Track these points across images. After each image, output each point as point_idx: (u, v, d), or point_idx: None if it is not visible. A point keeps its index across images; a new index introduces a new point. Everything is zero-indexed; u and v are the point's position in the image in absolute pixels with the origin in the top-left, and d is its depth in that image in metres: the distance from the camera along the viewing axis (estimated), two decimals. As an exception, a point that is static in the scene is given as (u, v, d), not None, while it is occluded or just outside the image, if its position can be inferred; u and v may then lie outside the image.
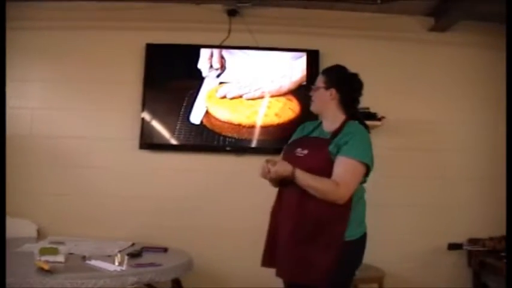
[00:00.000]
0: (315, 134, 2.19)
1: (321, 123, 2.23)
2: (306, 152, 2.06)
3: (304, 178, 1.95)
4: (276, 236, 2.06)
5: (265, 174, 2.00)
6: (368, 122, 3.13)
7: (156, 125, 3.36)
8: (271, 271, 2.10)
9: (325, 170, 1.97)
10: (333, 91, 2.14)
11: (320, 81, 2.19)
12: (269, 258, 2.10)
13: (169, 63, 3.42)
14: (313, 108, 2.21)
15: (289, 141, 2.24)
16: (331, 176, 1.96)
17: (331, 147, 2.01)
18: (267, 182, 2.28)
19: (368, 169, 2.03)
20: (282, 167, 1.97)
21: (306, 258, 1.92)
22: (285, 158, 2.09)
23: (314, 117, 2.30)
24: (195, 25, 3.46)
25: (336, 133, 2.07)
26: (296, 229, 1.95)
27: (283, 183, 2.06)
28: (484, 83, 3.50)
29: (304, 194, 1.96)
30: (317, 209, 1.95)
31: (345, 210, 1.97)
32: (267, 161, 2.00)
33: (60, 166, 3.35)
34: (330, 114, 2.16)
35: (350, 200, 1.98)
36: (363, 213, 2.09)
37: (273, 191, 2.19)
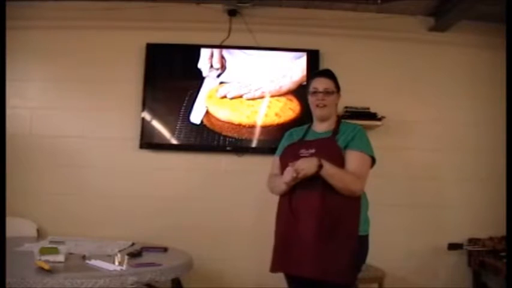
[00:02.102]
0: (310, 138, 2.22)
1: (309, 127, 2.28)
2: (312, 151, 2.10)
3: (332, 168, 1.99)
4: (289, 238, 2.06)
5: (294, 179, 2.00)
6: (368, 122, 3.21)
7: (156, 124, 3.37)
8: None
9: (337, 165, 2.03)
10: (339, 94, 2.26)
11: (331, 85, 2.22)
12: (281, 263, 2.09)
13: (169, 63, 3.42)
14: (325, 112, 2.21)
15: (287, 145, 2.26)
16: None
17: (339, 143, 2.09)
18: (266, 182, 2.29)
19: (373, 163, 2.15)
20: (309, 163, 1.99)
21: (330, 254, 1.95)
22: (287, 161, 2.09)
23: (312, 118, 2.31)
24: (196, 25, 3.46)
25: (335, 131, 2.16)
26: (320, 227, 1.97)
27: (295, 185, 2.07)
28: (484, 83, 3.50)
29: (324, 191, 2.00)
30: (336, 204, 2.00)
31: (358, 205, 2.06)
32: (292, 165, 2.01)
33: (60, 166, 3.36)
34: (333, 116, 2.25)
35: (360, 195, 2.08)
36: (367, 210, 2.14)
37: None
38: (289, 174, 2.00)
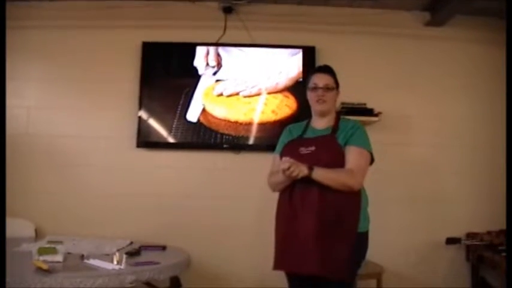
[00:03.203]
0: (309, 135, 2.22)
1: (308, 123, 2.28)
2: (312, 148, 2.11)
3: (322, 173, 2.00)
4: (289, 235, 2.06)
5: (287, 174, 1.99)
6: (365, 118, 3.21)
7: (153, 123, 3.36)
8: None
9: (338, 162, 2.06)
10: (338, 91, 2.27)
11: (331, 81, 2.23)
12: (282, 260, 2.10)
13: (165, 61, 3.42)
14: (325, 107, 2.21)
15: (286, 142, 2.25)
16: (342, 167, 2.06)
17: (340, 139, 2.11)
18: (264, 180, 2.29)
19: (372, 161, 2.16)
20: (298, 168, 1.98)
21: (330, 250, 1.96)
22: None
23: (309, 114, 2.30)
24: (191, 23, 3.45)
25: (335, 128, 2.16)
26: (320, 223, 1.98)
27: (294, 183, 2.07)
28: (480, 78, 3.50)
29: (323, 187, 2.00)
30: (335, 201, 2.01)
31: (358, 201, 2.07)
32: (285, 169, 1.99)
33: (58, 165, 3.35)
34: (332, 112, 2.25)
35: (359, 191, 2.08)
36: (367, 207, 2.15)
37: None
38: (286, 163, 1.99)
